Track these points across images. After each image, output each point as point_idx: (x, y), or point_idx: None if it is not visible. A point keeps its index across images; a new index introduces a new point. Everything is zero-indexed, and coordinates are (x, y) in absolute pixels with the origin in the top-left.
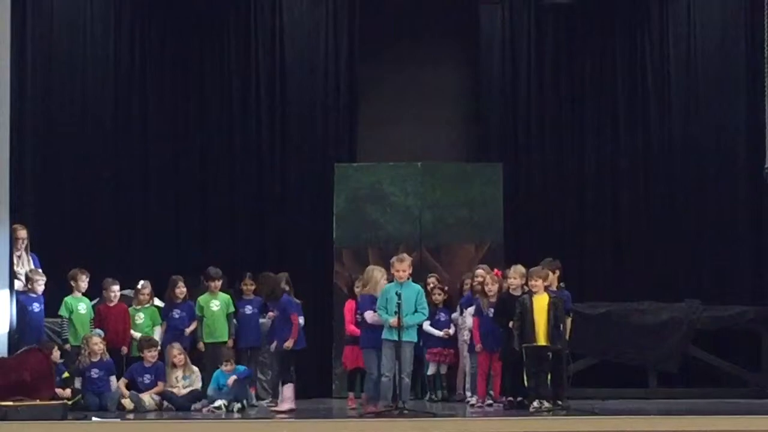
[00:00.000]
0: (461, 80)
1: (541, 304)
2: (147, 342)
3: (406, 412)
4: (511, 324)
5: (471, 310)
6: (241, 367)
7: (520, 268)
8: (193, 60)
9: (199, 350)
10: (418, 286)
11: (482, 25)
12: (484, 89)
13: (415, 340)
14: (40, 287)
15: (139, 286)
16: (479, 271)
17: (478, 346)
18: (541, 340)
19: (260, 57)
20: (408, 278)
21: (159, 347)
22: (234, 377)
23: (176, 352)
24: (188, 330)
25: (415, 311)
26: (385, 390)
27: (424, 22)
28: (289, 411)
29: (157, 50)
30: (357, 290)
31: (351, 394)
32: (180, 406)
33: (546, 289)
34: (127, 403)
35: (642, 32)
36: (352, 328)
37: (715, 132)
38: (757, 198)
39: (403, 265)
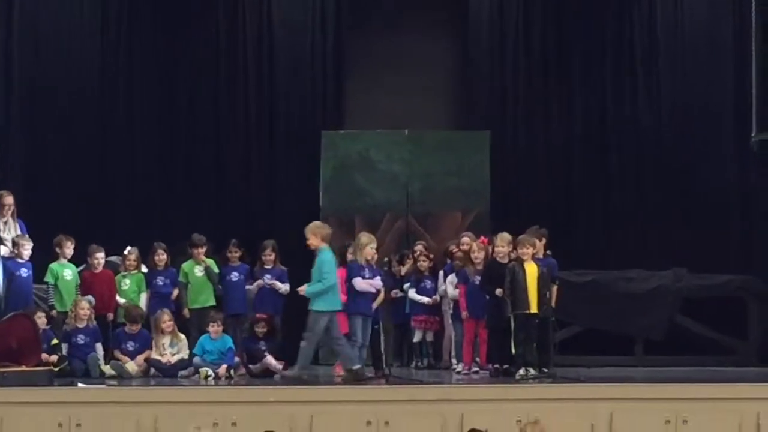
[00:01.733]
0: (449, 48)
1: (531, 271)
2: (131, 316)
3: (392, 378)
4: (499, 291)
5: (451, 278)
6: (228, 340)
7: (507, 236)
8: (181, 28)
9: (184, 317)
10: (322, 255)
11: None
12: (471, 57)
13: (320, 309)
14: (27, 252)
15: (125, 252)
16: (465, 239)
17: (464, 314)
18: (533, 307)
19: (247, 25)
20: (317, 246)
21: (140, 322)
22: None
23: (166, 318)
24: (174, 294)
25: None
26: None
27: None
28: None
29: (143, 17)
30: (349, 257)
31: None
32: (167, 374)
33: (533, 257)
34: (108, 369)
35: (631, 3)
36: (343, 297)
37: (703, 102)
38: (744, 166)
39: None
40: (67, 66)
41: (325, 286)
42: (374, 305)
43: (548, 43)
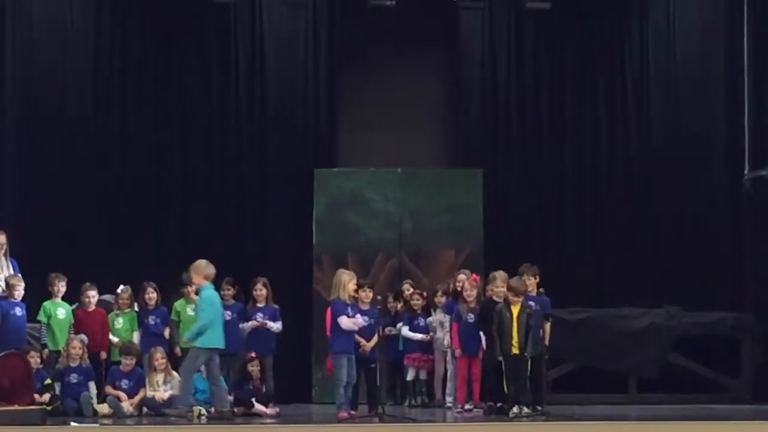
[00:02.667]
0: (441, 86)
1: (516, 312)
2: (126, 349)
3: (386, 417)
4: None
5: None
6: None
7: (504, 276)
8: (173, 65)
9: (176, 355)
10: (203, 292)
11: (462, 31)
12: (464, 95)
13: (200, 346)
14: (20, 293)
15: (119, 291)
16: (460, 276)
17: (458, 352)
18: (516, 348)
19: (240, 62)
20: (200, 285)
21: (136, 357)
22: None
23: (159, 356)
24: (166, 333)
25: None
26: None
27: (404, 28)
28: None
29: (136, 58)
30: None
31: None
32: (159, 412)
33: (525, 294)
34: (102, 408)
35: (621, 37)
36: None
37: (695, 138)
38: (737, 204)
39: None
40: (59, 100)
41: (200, 323)
42: (371, 345)
43: (541, 81)
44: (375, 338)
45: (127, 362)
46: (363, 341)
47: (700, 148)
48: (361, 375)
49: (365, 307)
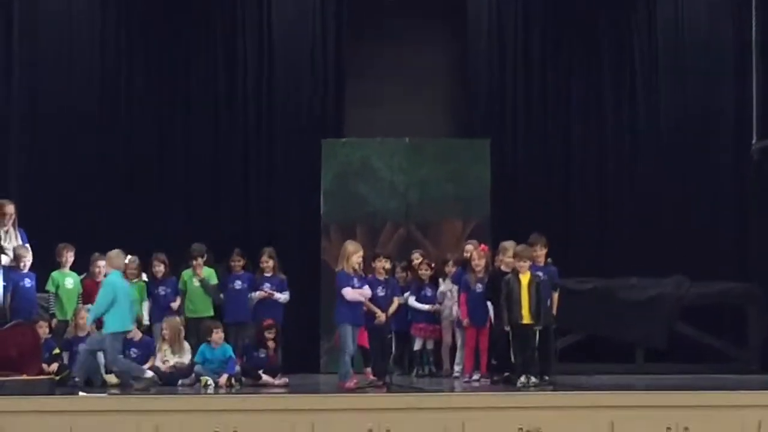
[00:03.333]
0: (449, 57)
1: (525, 283)
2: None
3: (394, 387)
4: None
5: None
6: (228, 348)
7: (514, 245)
8: (179, 37)
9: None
10: (108, 278)
11: (469, 1)
12: (471, 65)
13: (108, 330)
14: (28, 264)
15: (126, 261)
16: (468, 246)
17: (466, 321)
18: (526, 318)
19: (247, 34)
20: (108, 272)
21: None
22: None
23: (166, 326)
24: (174, 305)
25: None
26: None
27: (411, 0)
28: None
29: (141, 28)
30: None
31: (368, 369)
32: (168, 382)
33: (533, 264)
34: (111, 378)
35: (629, 10)
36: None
37: (702, 109)
38: (744, 173)
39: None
40: (69, 73)
41: (93, 308)
42: (389, 313)
43: (547, 52)
44: (392, 308)
45: (132, 333)
46: (378, 311)
47: (706, 117)
48: (376, 345)
49: (382, 278)
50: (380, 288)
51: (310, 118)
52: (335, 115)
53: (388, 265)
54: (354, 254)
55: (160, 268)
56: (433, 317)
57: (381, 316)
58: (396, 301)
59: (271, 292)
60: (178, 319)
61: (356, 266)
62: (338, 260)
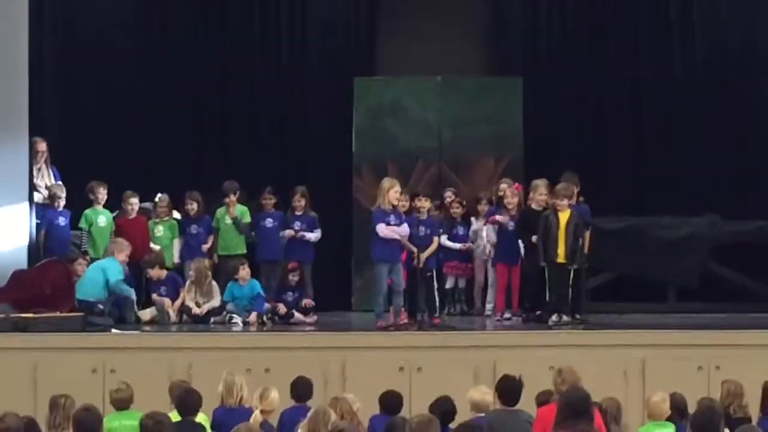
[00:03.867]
0: None
1: (563, 221)
2: (149, 262)
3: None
4: (534, 238)
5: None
6: (256, 285)
7: (546, 183)
8: None
9: (213, 263)
10: None
11: None
12: (505, 3)
13: None
14: (62, 202)
15: (156, 199)
16: (502, 185)
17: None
18: (561, 257)
19: None
20: None
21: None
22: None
23: (194, 268)
24: (205, 246)
25: None
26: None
27: None
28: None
29: None
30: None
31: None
32: (199, 320)
33: (570, 198)
34: (144, 314)
35: None
36: None
37: (739, 48)
38: None
39: None
40: (104, 9)
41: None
42: (427, 253)
43: None
44: (432, 247)
45: (155, 273)
46: (415, 250)
47: (743, 56)
48: (416, 283)
49: (423, 217)
50: (421, 227)
51: (342, 57)
52: (367, 52)
53: (428, 204)
54: (391, 189)
55: (193, 206)
56: (465, 256)
57: (420, 256)
58: (435, 241)
59: (301, 233)
60: (206, 261)
61: (394, 201)
62: (376, 198)
